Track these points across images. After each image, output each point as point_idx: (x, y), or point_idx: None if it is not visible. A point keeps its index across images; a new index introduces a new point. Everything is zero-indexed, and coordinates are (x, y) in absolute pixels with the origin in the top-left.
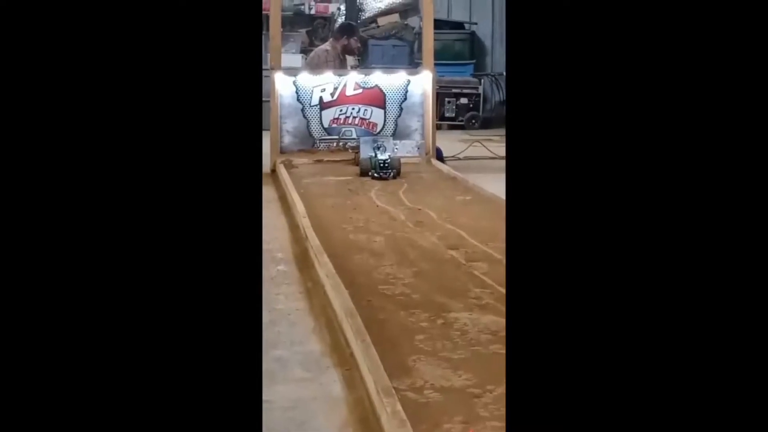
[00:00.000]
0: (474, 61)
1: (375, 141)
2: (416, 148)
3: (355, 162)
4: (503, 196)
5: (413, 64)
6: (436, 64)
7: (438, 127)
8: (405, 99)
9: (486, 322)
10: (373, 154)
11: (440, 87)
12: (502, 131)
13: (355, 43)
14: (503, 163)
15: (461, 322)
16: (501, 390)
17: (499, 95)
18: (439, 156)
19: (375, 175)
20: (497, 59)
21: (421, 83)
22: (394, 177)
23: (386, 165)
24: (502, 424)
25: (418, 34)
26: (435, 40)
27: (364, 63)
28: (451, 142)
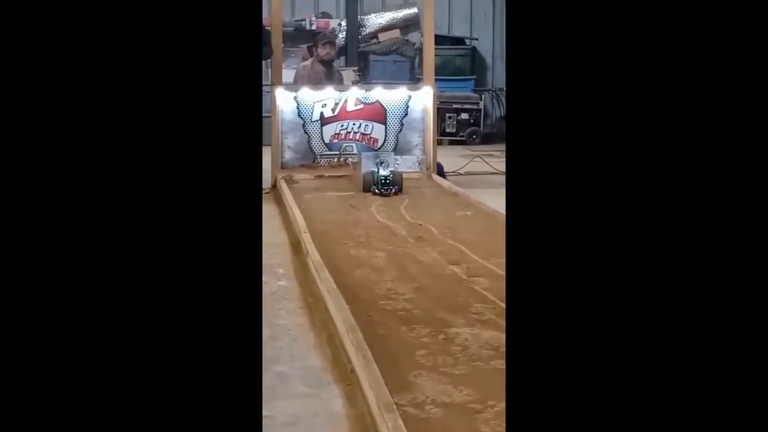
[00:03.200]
0: (475, 76)
1: (377, 156)
2: (417, 164)
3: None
4: (504, 211)
5: (414, 79)
6: (436, 80)
7: (439, 143)
8: (406, 114)
9: (487, 337)
10: (375, 170)
11: (441, 102)
12: (503, 146)
13: (324, 50)
14: (503, 178)
15: (462, 337)
16: (502, 406)
17: (500, 110)
18: (440, 171)
19: (377, 191)
20: (498, 75)
21: (422, 99)
22: (396, 193)
23: (388, 181)
24: None
25: (419, 50)
26: (436, 55)
27: (365, 78)
28: (452, 158)
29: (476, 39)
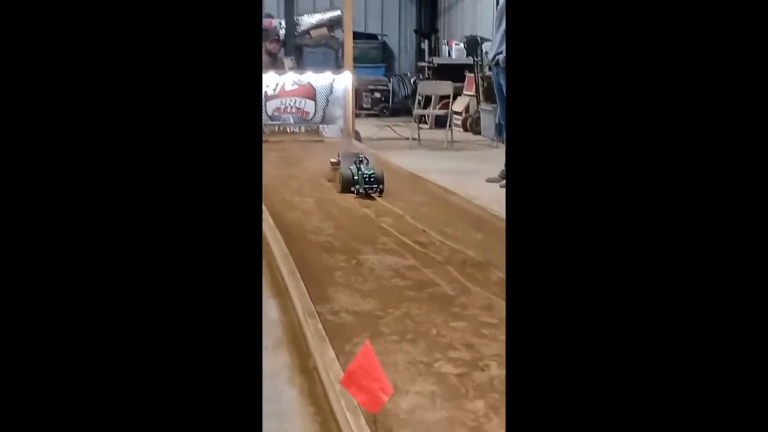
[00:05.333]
0: (385, 64)
1: (356, 156)
2: (340, 131)
3: (337, 179)
4: (405, 167)
5: (338, 66)
6: (355, 67)
7: (357, 115)
8: (331, 93)
9: (390, 262)
10: (356, 168)
11: (359, 84)
12: (406, 118)
13: (271, 44)
14: (406, 142)
15: (370, 262)
16: (399, 312)
17: (404, 91)
18: (358, 137)
19: (360, 190)
20: (402, 63)
21: (343, 81)
22: (380, 193)
23: (372, 179)
24: (399, 338)
25: (342, 43)
26: (354, 47)
27: (300, 66)
28: (367, 127)
29: (386, 35)
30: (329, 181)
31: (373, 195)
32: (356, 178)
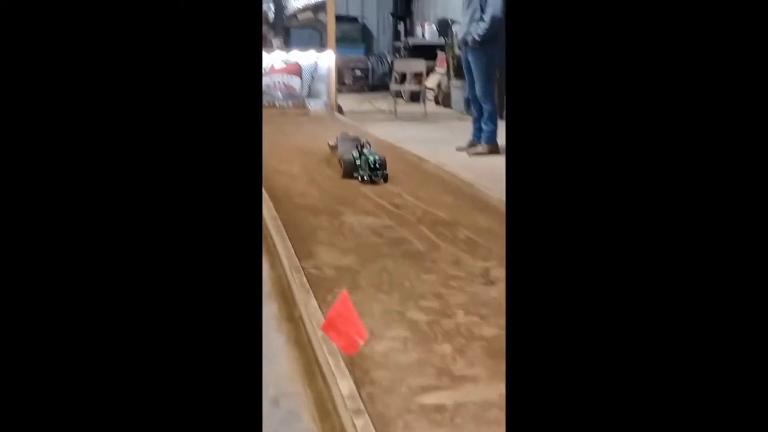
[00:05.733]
0: (364, 44)
1: (356, 139)
2: (324, 105)
3: (339, 163)
4: (383, 137)
5: (322, 46)
6: (337, 47)
7: (339, 91)
8: (315, 70)
9: (368, 222)
10: (358, 154)
11: (341, 63)
12: (384, 93)
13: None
14: (384, 115)
15: (350, 222)
16: (375, 267)
17: (381, 68)
18: (341, 110)
19: (365, 177)
20: (380, 43)
21: (327, 60)
22: (385, 179)
23: (378, 165)
24: (375, 290)
25: (325, 25)
26: (336, 29)
27: (288, 46)
28: (349, 101)
29: (365, 18)
30: (326, 165)
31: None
32: (359, 163)
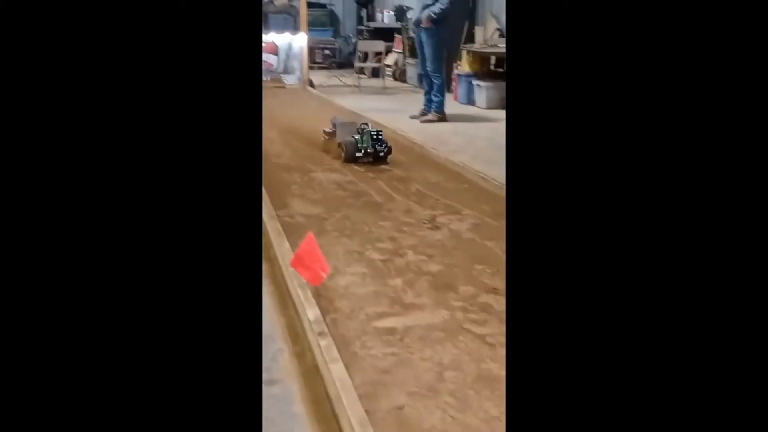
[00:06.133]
0: (333, 28)
1: (354, 123)
2: (298, 79)
3: (339, 147)
4: (347, 106)
5: (296, 29)
6: (309, 29)
7: (311, 68)
8: (290, 49)
9: (334, 178)
10: (359, 136)
11: (312, 43)
12: (349, 70)
13: None
14: (349, 89)
15: (319, 178)
16: (340, 215)
17: (347, 49)
18: (312, 84)
19: (369, 149)
20: (346, 27)
21: (300, 41)
22: (389, 152)
23: (380, 137)
24: (339, 234)
25: (299, 11)
26: (308, 14)
27: (265, 28)
28: (319, 77)
29: (333, 5)
30: (324, 152)
31: (382, 159)
32: (361, 145)
